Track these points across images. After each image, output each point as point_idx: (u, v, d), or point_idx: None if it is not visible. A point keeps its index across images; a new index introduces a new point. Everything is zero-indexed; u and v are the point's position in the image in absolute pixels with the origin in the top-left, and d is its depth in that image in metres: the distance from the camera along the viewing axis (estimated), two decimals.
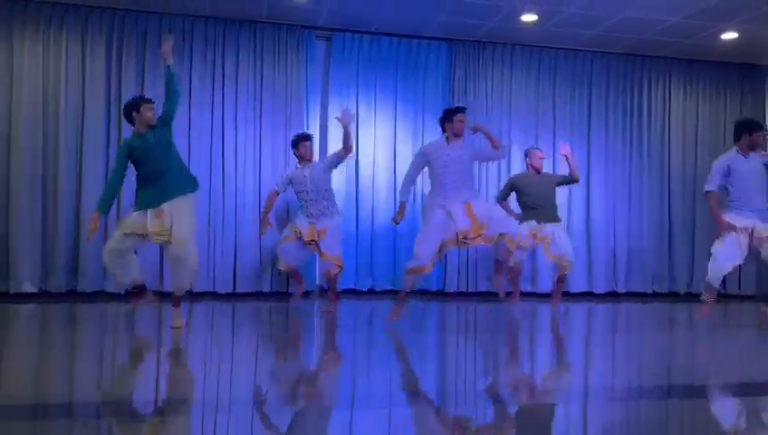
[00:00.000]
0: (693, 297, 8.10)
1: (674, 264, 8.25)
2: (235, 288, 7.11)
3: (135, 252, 4.78)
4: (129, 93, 6.87)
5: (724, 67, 8.43)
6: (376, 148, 7.59)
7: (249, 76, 7.23)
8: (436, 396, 3.16)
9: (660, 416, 2.83)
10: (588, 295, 8.01)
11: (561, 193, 7.96)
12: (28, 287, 6.61)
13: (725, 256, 5.19)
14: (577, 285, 7.98)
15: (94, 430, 2.54)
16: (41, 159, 6.70)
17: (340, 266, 6.10)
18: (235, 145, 7.18)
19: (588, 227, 8.06)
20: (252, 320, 5.97)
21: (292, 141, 6.20)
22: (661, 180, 8.27)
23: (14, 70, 6.68)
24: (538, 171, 6.34)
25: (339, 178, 7.44)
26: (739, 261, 5.26)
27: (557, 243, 6.17)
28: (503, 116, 7.91)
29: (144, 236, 4.55)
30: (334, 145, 7.44)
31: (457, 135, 5.00)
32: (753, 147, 5.25)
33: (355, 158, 7.46)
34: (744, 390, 3.28)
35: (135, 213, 4.60)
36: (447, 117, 5.05)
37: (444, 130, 5.10)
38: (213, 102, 7.16)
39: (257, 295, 7.12)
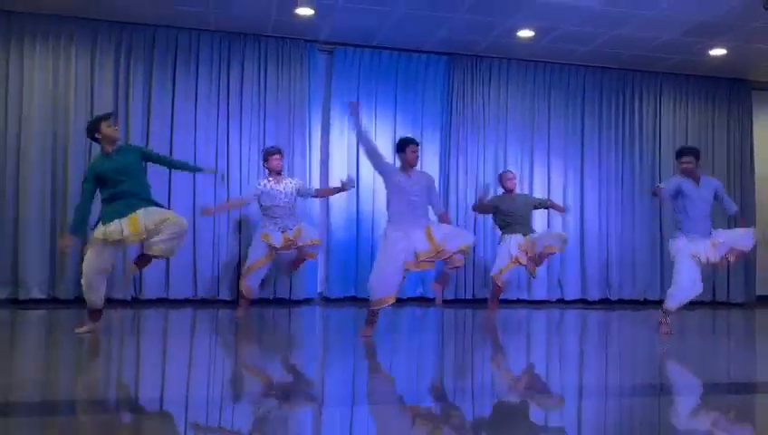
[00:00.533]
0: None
1: (665, 273, 8.47)
2: (237, 296, 7.25)
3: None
4: (136, 105, 7.10)
5: (713, 82, 8.72)
6: None
7: (254, 88, 7.43)
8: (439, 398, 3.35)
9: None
10: (582, 302, 8.23)
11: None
12: (37, 293, 6.76)
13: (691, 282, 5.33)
14: (571, 292, 8.21)
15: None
16: (50, 169, 6.87)
17: (319, 244, 6.40)
18: (240, 155, 7.37)
19: (582, 237, 8.29)
20: (273, 324, 6.14)
21: (263, 155, 6.25)
22: None
23: (25, 83, 6.85)
24: (511, 192, 6.69)
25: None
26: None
27: (543, 237, 6.56)
28: (499, 128, 8.15)
29: (120, 241, 4.56)
30: (336, 157, 7.67)
31: (411, 165, 5.02)
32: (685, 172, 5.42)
33: (356, 168, 7.67)
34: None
35: (103, 227, 4.56)
36: (401, 147, 5.05)
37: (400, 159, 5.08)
38: (218, 113, 7.34)
39: (262, 301, 7.28)
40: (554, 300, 8.20)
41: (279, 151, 6.19)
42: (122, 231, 4.52)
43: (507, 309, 7.48)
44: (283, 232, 6.01)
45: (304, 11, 6.67)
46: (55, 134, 6.91)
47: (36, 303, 6.69)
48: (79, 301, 6.77)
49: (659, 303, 8.30)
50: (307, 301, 7.52)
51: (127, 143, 6.94)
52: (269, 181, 6.07)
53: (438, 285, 5.48)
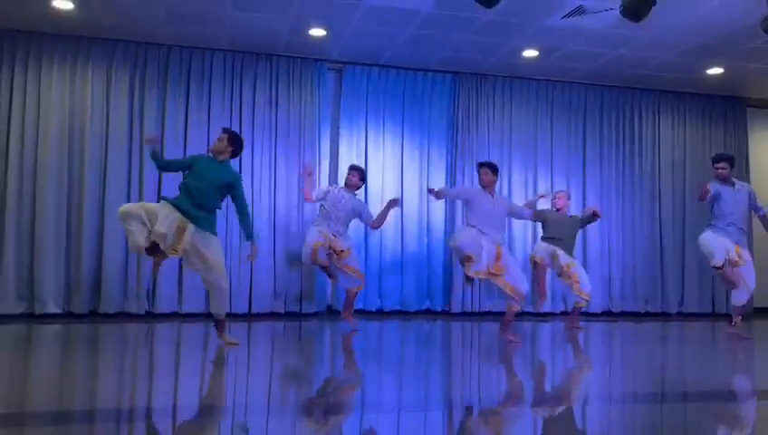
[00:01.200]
0: (683, 317, 8.58)
1: (665, 285, 8.68)
2: (250, 309, 7.40)
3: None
4: (150, 122, 7.24)
5: (710, 99, 8.97)
6: (384, 173, 7.96)
7: (265, 105, 7.60)
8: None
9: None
10: (584, 315, 8.38)
11: None
12: (52, 308, 6.86)
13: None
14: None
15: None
16: (66, 186, 6.99)
17: (361, 282, 6.49)
18: (251, 171, 7.51)
19: (584, 250, 8.47)
20: (282, 338, 6.26)
21: (350, 167, 6.64)
22: (652, 206, 8.74)
23: (42, 101, 6.99)
24: (560, 211, 6.90)
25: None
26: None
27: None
28: (503, 144, 8.35)
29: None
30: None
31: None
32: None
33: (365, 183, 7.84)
34: None
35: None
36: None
37: None
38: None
39: (272, 316, 7.41)
40: (558, 312, 8.37)
41: (357, 169, 6.53)
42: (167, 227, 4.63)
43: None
44: (335, 237, 6.20)
45: (317, 32, 6.85)
46: (71, 152, 7.04)
47: (51, 317, 6.79)
48: (93, 315, 6.93)
49: (661, 315, 8.59)
50: (316, 314, 7.64)
51: (141, 163, 7.13)
52: (341, 189, 6.44)
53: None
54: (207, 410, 3.29)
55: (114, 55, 7.20)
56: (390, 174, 7.99)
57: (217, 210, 5.02)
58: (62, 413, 3.10)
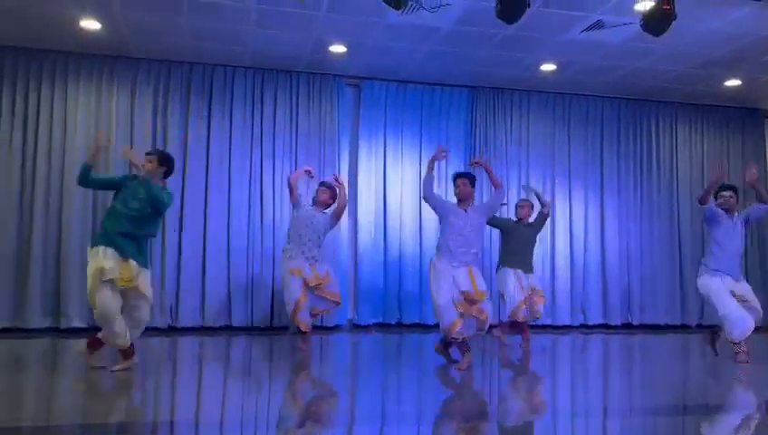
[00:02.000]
0: (704, 329, 8.53)
1: (685, 297, 8.65)
2: (271, 324, 7.46)
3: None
4: (173, 138, 7.36)
5: (727, 111, 8.98)
6: (403, 186, 8.02)
7: (285, 121, 7.70)
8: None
9: None
10: (604, 327, 8.39)
11: (578, 230, 8.45)
12: (77, 323, 6.95)
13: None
14: (594, 317, 8.38)
15: None
16: (90, 203, 7.10)
17: (338, 304, 6.10)
18: (273, 186, 7.60)
19: (603, 262, 8.48)
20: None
21: (320, 184, 6.25)
22: (671, 216, 8.74)
23: (68, 118, 7.13)
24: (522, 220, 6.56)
25: (368, 215, 7.88)
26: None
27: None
28: (521, 157, 8.40)
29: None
30: (364, 186, 7.92)
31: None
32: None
33: (383, 196, 7.93)
34: None
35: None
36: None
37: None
38: (252, 144, 7.61)
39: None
40: (577, 325, 8.36)
41: (326, 185, 6.11)
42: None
43: (534, 334, 7.62)
44: (312, 266, 5.80)
45: (338, 48, 6.95)
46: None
47: (76, 332, 6.87)
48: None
49: (680, 327, 8.55)
50: (337, 328, 7.68)
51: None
52: (310, 207, 6.01)
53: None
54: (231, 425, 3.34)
55: (138, 73, 7.34)
56: (408, 188, 8.04)
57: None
58: (87, 426, 3.17)
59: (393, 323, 7.90)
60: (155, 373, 4.85)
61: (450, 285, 4.83)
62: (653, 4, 4.92)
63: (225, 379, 4.85)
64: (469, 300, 4.81)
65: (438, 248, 5.07)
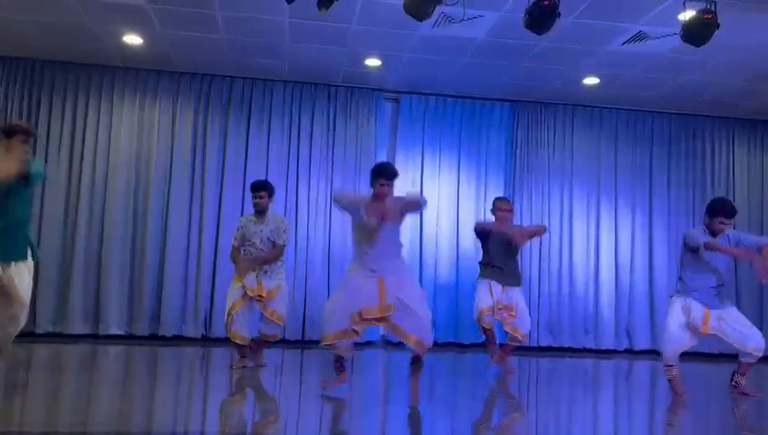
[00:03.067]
0: (764, 360, 7.97)
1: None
2: (303, 337, 7.43)
3: None
4: (212, 151, 7.47)
5: None
6: (440, 203, 7.88)
7: (323, 135, 7.71)
8: None
9: None
10: (653, 353, 7.95)
11: (623, 252, 8.07)
12: (115, 330, 7.11)
13: None
14: (641, 342, 7.98)
15: None
16: (131, 215, 7.28)
17: (282, 328, 5.58)
18: (308, 200, 7.61)
19: (651, 286, 8.09)
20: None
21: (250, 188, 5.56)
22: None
23: (113, 132, 7.35)
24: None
25: (403, 232, 7.74)
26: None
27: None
28: (564, 174, 8.12)
29: None
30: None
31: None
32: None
33: (419, 212, 7.79)
34: None
35: None
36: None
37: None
38: (289, 158, 7.64)
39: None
40: (622, 350, 7.98)
41: (263, 187, 5.42)
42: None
43: (574, 358, 7.32)
44: (258, 278, 5.27)
45: (372, 62, 6.92)
46: (137, 183, 7.34)
47: (114, 338, 7.03)
48: (153, 338, 7.14)
49: (736, 357, 8.00)
50: (369, 344, 7.58)
51: (202, 193, 7.36)
52: (249, 219, 5.49)
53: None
54: None
55: (180, 87, 7.51)
56: (446, 204, 7.90)
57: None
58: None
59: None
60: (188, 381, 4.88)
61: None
62: (693, 12, 4.65)
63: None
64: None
65: None
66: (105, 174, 7.29)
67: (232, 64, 7.19)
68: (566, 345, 7.83)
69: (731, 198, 8.32)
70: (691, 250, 4.77)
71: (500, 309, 5.74)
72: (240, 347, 5.37)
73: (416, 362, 4.45)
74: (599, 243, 8.03)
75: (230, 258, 5.60)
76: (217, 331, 7.27)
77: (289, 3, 4.39)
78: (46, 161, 7.18)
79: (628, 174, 8.21)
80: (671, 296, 5.07)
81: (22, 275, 3.96)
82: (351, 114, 7.79)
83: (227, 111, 7.58)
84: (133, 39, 6.55)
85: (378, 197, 4.24)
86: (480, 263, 6.05)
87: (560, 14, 4.63)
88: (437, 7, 4.53)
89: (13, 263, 3.93)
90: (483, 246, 6.00)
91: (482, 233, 5.92)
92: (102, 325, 7.09)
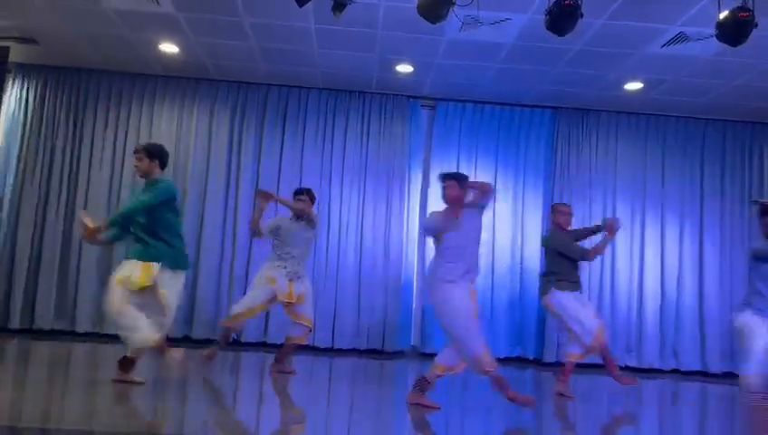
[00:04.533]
0: None
1: None
2: (333, 344, 7.38)
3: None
4: (247, 157, 7.56)
5: None
6: None
7: (356, 142, 7.68)
8: None
9: None
10: (701, 374, 7.50)
11: (670, 266, 7.65)
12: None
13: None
14: (689, 362, 7.54)
15: None
16: None
17: (311, 330, 5.71)
18: (340, 207, 7.59)
19: (701, 300, 7.63)
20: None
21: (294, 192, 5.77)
22: None
23: (153, 136, 7.53)
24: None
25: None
26: None
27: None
28: (607, 182, 7.79)
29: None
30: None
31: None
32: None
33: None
34: None
35: None
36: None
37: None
38: (322, 165, 7.65)
39: (353, 352, 7.33)
40: (668, 370, 7.55)
41: (302, 192, 5.61)
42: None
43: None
44: (291, 282, 5.46)
45: (404, 68, 6.85)
46: (175, 184, 7.48)
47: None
48: (186, 340, 7.25)
49: None
50: (400, 353, 7.46)
51: (237, 197, 7.46)
52: (290, 220, 5.60)
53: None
54: None
55: (217, 95, 7.65)
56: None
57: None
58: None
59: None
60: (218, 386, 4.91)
61: None
62: (727, 11, 4.35)
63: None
64: None
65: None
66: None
67: (266, 72, 7.28)
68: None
69: None
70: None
71: None
72: (226, 335, 5.73)
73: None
74: (643, 257, 7.65)
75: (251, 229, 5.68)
76: (249, 336, 7.32)
77: (300, 6, 4.37)
78: (90, 165, 7.47)
79: (677, 183, 7.79)
80: (742, 313, 4.32)
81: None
82: (386, 122, 7.73)
83: (263, 119, 7.66)
84: (169, 47, 6.72)
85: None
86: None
87: (582, 15, 4.43)
88: (452, 9, 4.41)
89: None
90: None
91: None
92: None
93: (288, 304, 5.48)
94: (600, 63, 6.37)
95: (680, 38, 5.61)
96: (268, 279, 5.47)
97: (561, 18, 4.40)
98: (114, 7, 5.81)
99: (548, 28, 4.55)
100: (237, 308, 5.52)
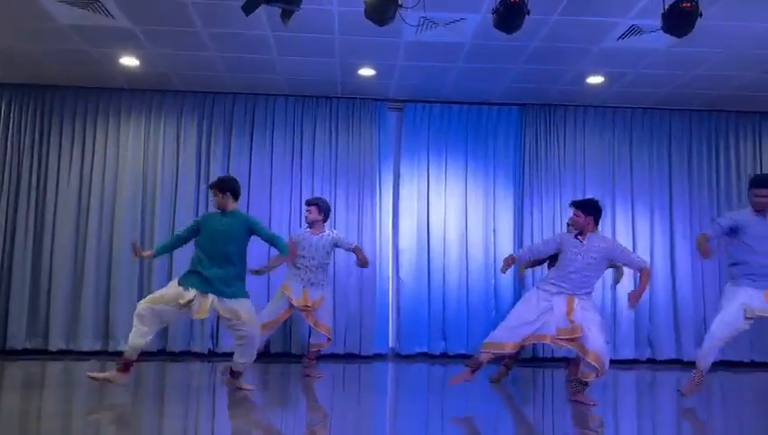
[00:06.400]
0: None
1: None
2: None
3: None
4: (216, 167, 7.55)
5: None
6: (447, 212, 7.72)
7: (325, 148, 7.68)
8: None
9: None
10: (677, 363, 7.55)
11: (642, 255, 7.69)
12: (125, 346, 7.17)
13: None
14: (664, 351, 7.59)
15: None
16: (139, 233, 7.38)
17: (330, 339, 6.05)
18: None
19: (674, 289, 7.68)
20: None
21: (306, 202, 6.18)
22: None
23: (120, 153, 7.52)
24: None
25: (410, 241, 7.64)
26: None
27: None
28: (576, 176, 7.83)
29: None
30: (406, 211, 7.70)
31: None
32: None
33: (426, 221, 7.68)
34: None
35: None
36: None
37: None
38: (292, 172, 7.63)
39: (331, 357, 7.32)
40: (644, 359, 7.60)
41: (310, 203, 6.01)
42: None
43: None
44: (305, 289, 5.82)
45: (366, 71, 6.87)
46: (144, 203, 7.47)
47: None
48: (161, 353, 7.23)
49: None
50: (378, 356, 7.47)
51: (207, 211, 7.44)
52: (306, 232, 6.01)
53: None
54: None
55: (183, 106, 7.63)
56: (453, 213, 7.73)
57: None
58: None
59: (438, 353, 7.56)
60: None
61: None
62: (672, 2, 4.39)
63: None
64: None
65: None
66: (113, 193, 7.44)
67: (231, 81, 7.27)
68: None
69: None
70: None
71: None
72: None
73: (581, 382, 4.91)
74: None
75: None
76: (225, 345, 7.30)
77: (246, 15, 4.38)
78: (57, 182, 7.43)
79: (646, 174, 7.84)
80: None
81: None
82: (354, 126, 7.73)
83: (230, 128, 7.64)
84: (130, 61, 6.70)
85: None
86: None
87: (529, 12, 4.46)
88: (398, 11, 4.42)
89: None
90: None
91: None
92: (112, 341, 7.22)
93: (305, 310, 5.79)
94: (559, 59, 6.41)
95: (634, 30, 5.65)
96: (284, 288, 5.87)
97: (508, 17, 4.43)
98: (70, 23, 5.79)
99: (496, 27, 4.58)
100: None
